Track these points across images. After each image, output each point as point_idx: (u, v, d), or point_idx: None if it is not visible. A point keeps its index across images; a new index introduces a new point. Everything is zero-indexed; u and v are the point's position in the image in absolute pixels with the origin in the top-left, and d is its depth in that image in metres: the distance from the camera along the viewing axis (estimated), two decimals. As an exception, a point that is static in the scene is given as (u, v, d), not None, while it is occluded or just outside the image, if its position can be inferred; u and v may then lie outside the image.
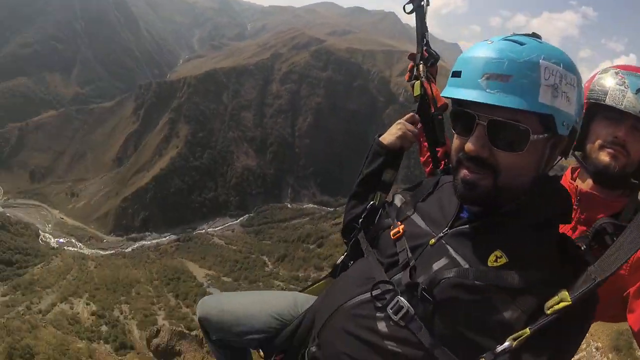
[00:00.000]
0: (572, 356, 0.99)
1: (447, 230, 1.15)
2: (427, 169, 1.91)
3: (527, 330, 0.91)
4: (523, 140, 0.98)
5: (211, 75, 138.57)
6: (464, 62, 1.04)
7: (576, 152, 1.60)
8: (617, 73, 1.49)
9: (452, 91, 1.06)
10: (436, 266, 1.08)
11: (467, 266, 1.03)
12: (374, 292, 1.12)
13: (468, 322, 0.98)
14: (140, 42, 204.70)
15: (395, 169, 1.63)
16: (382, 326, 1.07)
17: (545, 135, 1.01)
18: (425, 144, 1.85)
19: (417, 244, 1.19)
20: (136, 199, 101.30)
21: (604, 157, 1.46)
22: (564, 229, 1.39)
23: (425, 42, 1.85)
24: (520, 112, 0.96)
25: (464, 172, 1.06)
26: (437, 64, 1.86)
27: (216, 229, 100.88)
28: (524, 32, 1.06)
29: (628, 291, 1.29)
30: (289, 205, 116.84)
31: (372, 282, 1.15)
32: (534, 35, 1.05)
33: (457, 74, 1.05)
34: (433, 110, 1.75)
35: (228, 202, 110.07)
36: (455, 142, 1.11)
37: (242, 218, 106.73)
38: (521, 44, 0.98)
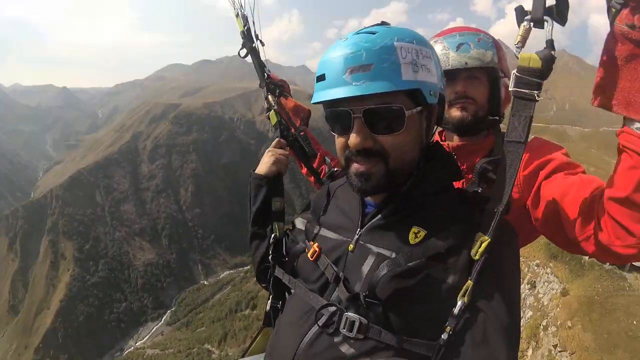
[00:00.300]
0: (519, 283, 1.09)
1: (360, 231, 1.19)
2: (313, 180, 2.07)
3: (469, 282, 1.00)
4: (400, 119, 1.04)
5: (76, 178, 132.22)
6: (325, 64, 1.07)
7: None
8: (436, 42, 1.69)
9: (321, 95, 1.08)
10: (365, 268, 1.11)
11: (394, 255, 1.07)
12: (320, 322, 1.10)
13: (420, 304, 1.03)
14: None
15: (281, 195, 1.63)
16: (345, 349, 1.06)
17: (418, 108, 1.08)
18: (300, 162, 2.01)
19: (338, 255, 1.20)
20: (48, 344, 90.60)
21: (455, 112, 1.66)
22: (456, 185, 1.46)
23: (266, 76, 2.07)
24: (390, 94, 1.02)
25: (355, 167, 1.11)
26: (288, 87, 2.16)
27: (144, 340, 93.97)
28: (374, 24, 1.12)
29: (527, 204, 1.43)
30: (205, 283, 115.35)
31: (314, 312, 1.13)
32: (383, 23, 1.12)
33: (321, 78, 1.08)
34: (293, 131, 1.94)
35: (143, 306, 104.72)
36: (339, 141, 1.14)
37: (165, 317, 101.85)
38: (373, 33, 1.04)
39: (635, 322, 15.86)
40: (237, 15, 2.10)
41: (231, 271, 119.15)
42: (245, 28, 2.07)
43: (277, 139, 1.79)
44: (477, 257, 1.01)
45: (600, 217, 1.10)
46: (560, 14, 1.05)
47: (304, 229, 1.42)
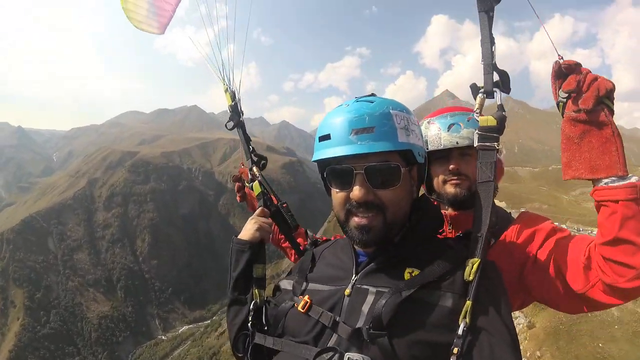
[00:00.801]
0: (510, 303, 1.20)
1: (355, 277, 1.28)
2: (292, 258, 2.17)
3: (468, 302, 1.09)
4: (396, 175, 1.23)
5: (28, 223, 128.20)
6: (329, 126, 1.25)
7: (432, 195, 1.95)
8: (429, 122, 1.89)
9: (328, 152, 1.24)
10: (366, 306, 1.18)
11: (391, 290, 1.17)
12: None
13: (424, 330, 1.09)
14: None
15: (263, 262, 1.65)
16: None
17: (410, 167, 1.31)
18: (282, 235, 2.06)
19: (333, 302, 1.25)
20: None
21: (450, 188, 1.83)
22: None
23: (251, 149, 2.20)
24: (388, 154, 1.23)
25: (356, 220, 1.24)
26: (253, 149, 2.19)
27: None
28: (365, 94, 1.36)
29: (522, 273, 1.48)
30: (163, 338, 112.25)
31: None
32: (373, 95, 1.34)
33: (326, 137, 1.25)
34: (276, 202, 2.01)
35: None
36: (339, 196, 1.28)
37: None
38: (371, 102, 1.26)
39: (601, 345, 16.54)
40: (225, 91, 2.30)
41: (190, 326, 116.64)
42: (233, 103, 2.25)
43: (260, 208, 1.86)
44: (471, 278, 1.14)
45: (600, 265, 1.23)
46: (504, 85, 1.41)
47: (290, 288, 1.44)
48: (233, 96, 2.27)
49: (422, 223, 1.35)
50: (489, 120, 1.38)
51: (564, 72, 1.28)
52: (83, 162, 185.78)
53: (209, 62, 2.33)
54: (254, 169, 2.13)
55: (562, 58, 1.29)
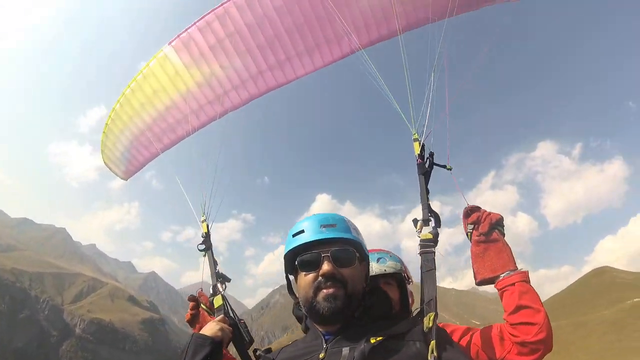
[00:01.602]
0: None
1: (326, 345, 1.57)
2: None
3: (433, 342, 1.43)
4: (353, 258, 1.68)
5: None
6: (303, 225, 1.74)
7: None
8: None
9: (303, 239, 1.70)
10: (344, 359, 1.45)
11: (363, 341, 1.47)
12: None
13: None
14: None
15: None
16: None
17: (360, 258, 1.74)
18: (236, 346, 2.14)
19: None
20: None
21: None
22: None
23: (217, 270, 2.63)
24: (346, 242, 1.70)
25: (324, 292, 1.60)
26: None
27: None
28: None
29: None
30: None
31: None
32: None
33: (300, 232, 1.72)
34: (233, 316, 2.25)
35: None
36: (308, 278, 1.65)
37: None
38: (329, 214, 1.80)
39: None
40: (203, 221, 2.84)
41: None
42: (207, 231, 2.81)
43: (221, 316, 2.10)
44: (430, 325, 1.50)
45: (510, 331, 1.76)
46: (436, 219, 2.05)
47: None
48: (208, 226, 2.87)
49: (376, 304, 1.78)
50: (427, 235, 1.94)
51: (469, 212, 2.04)
52: None
53: (188, 198, 3.02)
54: (218, 285, 2.53)
55: (468, 204, 2.08)
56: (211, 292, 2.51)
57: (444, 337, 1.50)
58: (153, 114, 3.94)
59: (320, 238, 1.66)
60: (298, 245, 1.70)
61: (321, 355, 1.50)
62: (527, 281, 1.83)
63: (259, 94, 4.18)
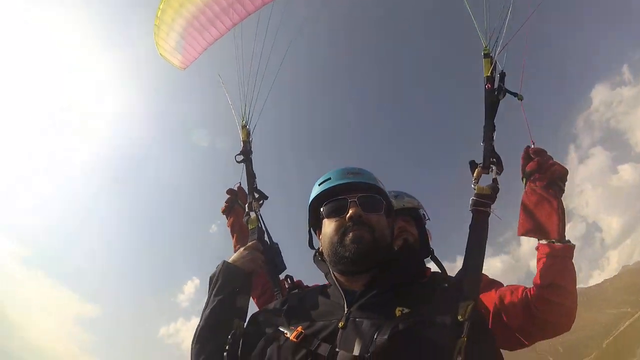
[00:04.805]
0: (493, 335, 1.44)
1: (348, 310, 1.39)
2: (255, 300, 2.24)
3: (464, 339, 1.23)
4: (380, 205, 1.62)
5: None
6: (329, 174, 1.70)
7: None
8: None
9: (329, 185, 1.65)
10: (361, 338, 1.26)
11: (386, 322, 1.28)
12: None
13: (423, 342, 1.24)
14: None
15: (248, 294, 1.69)
16: None
17: (387, 208, 1.66)
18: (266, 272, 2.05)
19: (326, 335, 1.30)
20: None
21: (397, 242, 2.13)
22: None
23: (255, 185, 2.43)
24: (373, 190, 1.64)
25: (351, 235, 1.51)
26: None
27: None
28: None
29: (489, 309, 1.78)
30: None
31: None
32: None
33: (327, 179, 1.68)
34: (268, 239, 2.11)
35: None
36: (334, 224, 1.58)
37: None
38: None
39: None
40: (243, 127, 2.61)
41: None
42: (247, 139, 2.57)
43: (254, 241, 1.96)
44: (465, 318, 1.27)
45: (536, 305, 1.61)
46: (498, 165, 1.77)
47: (273, 321, 1.48)
48: (248, 134, 2.60)
49: (410, 260, 1.69)
50: (484, 189, 1.70)
51: (532, 155, 1.75)
52: None
53: (230, 99, 2.76)
54: (254, 202, 2.34)
55: (534, 144, 1.77)
56: (246, 209, 2.34)
57: (478, 335, 1.28)
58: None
59: (347, 181, 1.63)
60: (324, 191, 1.65)
61: (341, 324, 1.33)
62: (571, 257, 1.65)
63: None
